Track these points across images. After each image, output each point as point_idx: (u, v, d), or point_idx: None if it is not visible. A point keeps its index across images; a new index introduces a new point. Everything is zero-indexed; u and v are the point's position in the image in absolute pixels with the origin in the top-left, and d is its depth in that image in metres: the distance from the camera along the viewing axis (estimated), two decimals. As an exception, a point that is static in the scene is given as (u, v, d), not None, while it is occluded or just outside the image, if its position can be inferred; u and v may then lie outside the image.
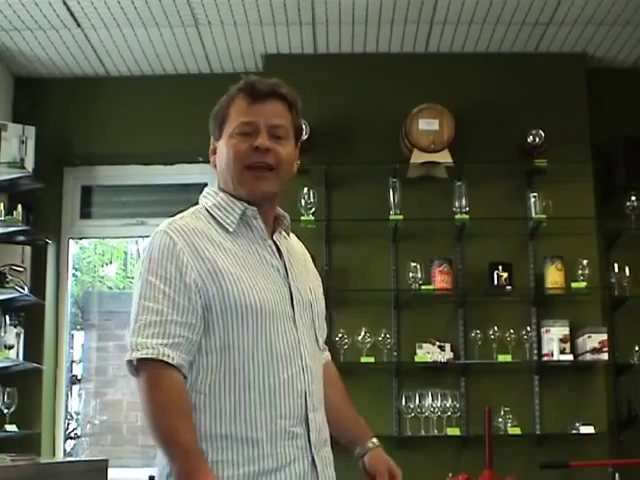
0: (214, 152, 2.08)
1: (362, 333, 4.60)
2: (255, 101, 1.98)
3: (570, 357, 4.65)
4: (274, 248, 2.02)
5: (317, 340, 2.05)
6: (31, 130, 4.88)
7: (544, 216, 4.72)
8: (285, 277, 1.99)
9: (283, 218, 2.08)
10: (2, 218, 4.67)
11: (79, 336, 5.87)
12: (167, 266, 1.88)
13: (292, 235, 2.17)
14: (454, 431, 4.55)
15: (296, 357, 1.93)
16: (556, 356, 4.65)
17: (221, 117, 2.03)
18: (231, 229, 1.97)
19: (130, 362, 1.85)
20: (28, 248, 4.89)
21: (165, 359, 1.82)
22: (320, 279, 2.23)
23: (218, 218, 1.99)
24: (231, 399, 1.87)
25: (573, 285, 4.67)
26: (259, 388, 1.87)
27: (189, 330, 1.86)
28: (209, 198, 2.05)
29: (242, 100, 2.00)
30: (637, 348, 4.71)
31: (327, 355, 2.28)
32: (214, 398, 1.87)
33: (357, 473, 2.18)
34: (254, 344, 1.88)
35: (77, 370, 5.73)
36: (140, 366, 1.83)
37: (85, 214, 5.41)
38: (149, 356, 1.82)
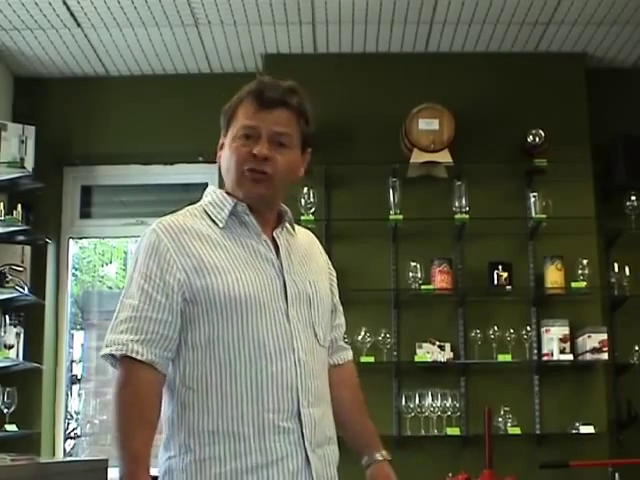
0: (222, 148, 2.08)
1: (362, 333, 4.60)
2: (261, 107, 1.99)
3: (570, 357, 4.65)
4: (270, 243, 2.01)
5: (316, 335, 2.01)
6: (31, 130, 4.88)
7: (544, 216, 4.72)
8: (280, 270, 1.98)
9: (285, 214, 2.09)
10: (2, 218, 4.67)
11: (79, 336, 5.87)
12: (149, 263, 1.91)
13: (302, 230, 2.17)
14: (454, 431, 4.55)
15: (287, 351, 1.91)
16: (556, 356, 4.65)
17: (229, 115, 2.05)
18: (221, 225, 1.99)
19: (113, 358, 1.88)
20: (28, 248, 4.88)
21: (134, 355, 1.83)
22: (333, 273, 2.22)
23: (211, 214, 2.01)
24: (217, 393, 1.87)
25: (573, 285, 4.67)
26: (245, 382, 1.87)
27: (164, 326, 1.88)
28: (208, 196, 2.08)
29: (250, 104, 2.01)
30: (637, 348, 4.71)
31: (347, 354, 2.26)
32: (201, 393, 1.88)
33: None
34: (240, 337, 1.89)
35: (77, 370, 5.73)
36: (117, 362, 1.87)
37: (85, 214, 5.41)
38: (118, 352, 1.84)
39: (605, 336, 4.60)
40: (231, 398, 1.87)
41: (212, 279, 1.89)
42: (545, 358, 4.68)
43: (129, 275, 1.95)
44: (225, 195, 2.03)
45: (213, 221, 2.00)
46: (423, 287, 4.67)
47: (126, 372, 1.85)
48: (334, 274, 2.22)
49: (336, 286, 2.21)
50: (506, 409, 4.54)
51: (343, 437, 2.16)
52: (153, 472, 1.86)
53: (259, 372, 1.88)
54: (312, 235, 2.23)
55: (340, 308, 2.23)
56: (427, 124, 4.79)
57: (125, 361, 1.85)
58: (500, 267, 4.68)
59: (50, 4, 4.42)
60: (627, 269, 4.75)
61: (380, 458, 2.14)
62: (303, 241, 2.15)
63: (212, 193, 2.07)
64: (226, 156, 2.03)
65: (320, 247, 2.22)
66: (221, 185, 2.12)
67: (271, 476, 1.86)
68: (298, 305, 1.98)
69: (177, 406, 1.90)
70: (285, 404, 1.89)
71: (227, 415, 1.86)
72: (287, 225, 2.08)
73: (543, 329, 4.70)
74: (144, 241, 1.95)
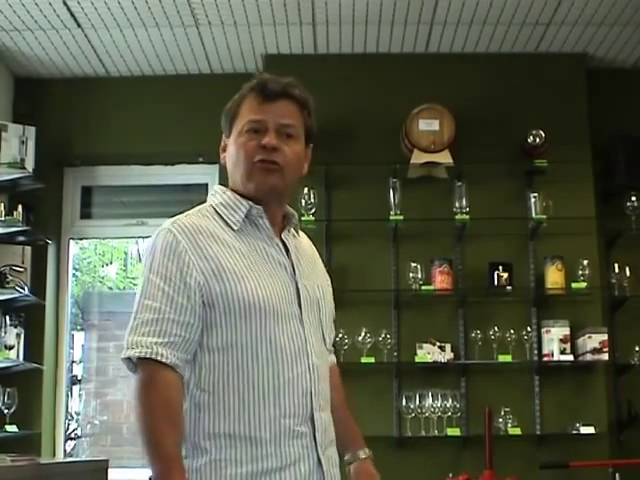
0: (224, 149, 2.08)
1: (362, 333, 4.59)
2: (265, 100, 2.00)
3: (570, 357, 4.65)
4: (281, 246, 2.01)
5: (324, 339, 2.04)
6: (31, 130, 4.88)
7: (544, 216, 4.72)
8: (292, 275, 1.99)
9: (292, 216, 2.09)
10: (2, 218, 4.67)
11: (79, 336, 5.87)
12: (168, 265, 1.89)
13: (302, 234, 2.18)
14: (454, 431, 4.55)
15: (302, 356, 1.92)
16: (556, 356, 4.65)
17: (232, 114, 2.04)
18: (236, 227, 1.97)
19: (129, 360, 1.85)
20: (28, 248, 4.88)
21: (159, 358, 1.82)
22: (330, 280, 2.23)
23: (224, 216, 1.99)
24: (235, 398, 1.87)
25: (573, 285, 4.67)
26: (263, 387, 1.87)
27: (186, 329, 1.87)
28: (217, 196, 2.05)
29: (253, 99, 2.01)
30: (637, 348, 4.71)
31: (333, 357, 2.28)
32: (218, 397, 1.87)
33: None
34: (258, 342, 1.88)
35: (77, 370, 5.73)
36: (137, 364, 1.84)
37: (85, 214, 5.41)
38: (143, 355, 1.82)
39: (605, 336, 4.59)
40: (248, 403, 1.86)
41: (231, 285, 1.88)
42: (545, 359, 4.68)
43: (145, 276, 1.91)
44: (238, 197, 2.01)
45: (226, 223, 1.98)
46: (423, 288, 4.67)
47: (150, 374, 1.83)
48: (329, 280, 2.23)
49: (331, 291, 2.22)
50: (506, 410, 4.54)
51: None
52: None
53: (277, 377, 1.88)
54: (310, 242, 2.23)
55: (334, 313, 2.24)
56: (427, 125, 4.79)
57: (148, 363, 1.82)
58: (500, 267, 4.68)
59: (50, 5, 4.42)
60: (627, 269, 4.75)
61: (363, 456, 2.17)
62: (307, 246, 2.16)
63: (222, 194, 2.04)
64: (232, 153, 2.02)
65: (317, 252, 2.23)
66: (222, 185, 2.10)
67: (285, 479, 1.86)
68: (310, 310, 1.99)
69: (190, 408, 1.89)
70: (301, 409, 1.90)
71: (245, 419, 1.86)
72: (292, 228, 2.08)
73: (543, 329, 4.70)
74: (159, 241, 1.92)
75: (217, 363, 1.88)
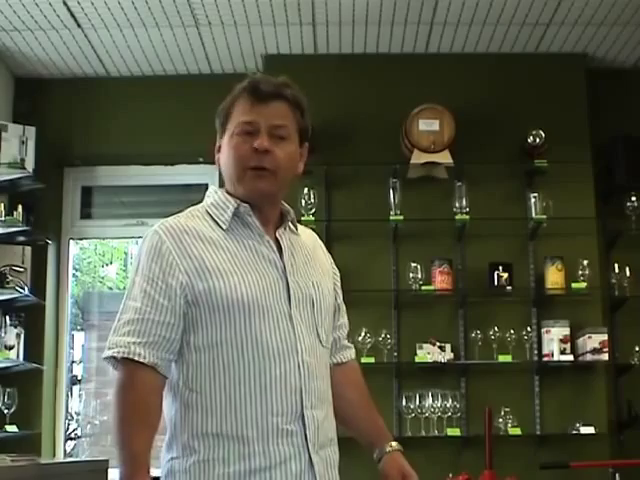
0: (219, 150, 2.07)
1: (362, 333, 4.59)
2: (257, 102, 1.99)
3: (570, 357, 4.65)
4: (273, 243, 2.00)
5: (319, 336, 2.01)
6: (31, 130, 4.88)
7: (544, 216, 4.72)
8: (283, 272, 1.98)
9: (287, 213, 2.08)
10: (2, 218, 4.67)
11: (79, 336, 5.86)
12: (152, 266, 1.91)
13: (303, 229, 2.17)
14: (454, 431, 4.55)
15: (291, 353, 1.91)
16: (556, 356, 4.65)
17: (224, 115, 2.04)
18: (225, 226, 1.98)
19: (114, 359, 1.87)
20: (28, 248, 4.88)
21: (136, 358, 1.83)
22: (337, 273, 2.21)
23: (213, 216, 2.00)
24: (221, 396, 1.87)
25: (573, 285, 4.67)
26: (249, 385, 1.87)
27: (167, 329, 1.88)
28: (210, 197, 2.07)
29: (245, 100, 2.00)
30: (637, 348, 4.71)
31: (350, 353, 2.28)
32: (205, 396, 1.87)
33: (366, 474, 2.17)
34: (243, 340, 1.88)
35: (77, 370, 5.72)
36: (118, 364, 1.86)
37: (85, 214, 5.41)
38: (120, 354, 1.84)
39: (605, 337, 4.59)
40: (235, 401, 1.86)
41: (214, 282, 1.89)
42: (545, 359, 4.68)
43: (131, 277, 1.94)
44: (227, 196, 2.02)
45: (216, 222, 1.99)
46: (423, 288, 4.67)
47: (127, 374, 1.84)
48: (338, 274, 2.22)
49: (340, 286, 2.21)
50: (506, 410, 4.54)
51: (352, 434, 2.17)
52: (154, 473, 1.86)
53: (263, 375, 1.87)
54: (315, 235, 2.22)
55: (343, 308, 2.23)
56: (427, 125, 4.79)
57: (127, 363, 1.84)
58: (500, 268, 4.68)
59: (50, 5, 4.42)
60: (627, 270, 4.75)
61: (389, 449, 2.14)
62: (307, 241, 2.14)
63: (214, 194, 2.06)
64: (225, 155, 2.02)
65: (323, 247, 2.21)
66: (222, 186, 2.10)
67: (274, 478, 1.85)
68: (301, 307, 1.97)
69: (180, 407, 1.90)
70: (289, 407, 1.89)
71: (231, 418, 1.86)
72: (290, 224, 2.08)
73: (543, 330, 4.70)
74: (146, 243, 1.94)
75: (203, 362, 1.89)
